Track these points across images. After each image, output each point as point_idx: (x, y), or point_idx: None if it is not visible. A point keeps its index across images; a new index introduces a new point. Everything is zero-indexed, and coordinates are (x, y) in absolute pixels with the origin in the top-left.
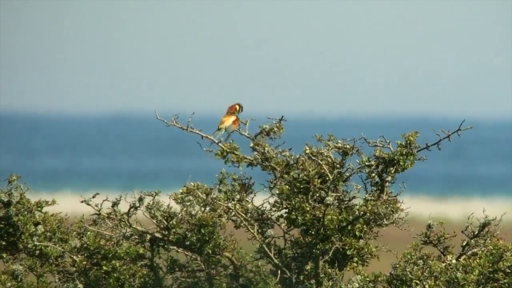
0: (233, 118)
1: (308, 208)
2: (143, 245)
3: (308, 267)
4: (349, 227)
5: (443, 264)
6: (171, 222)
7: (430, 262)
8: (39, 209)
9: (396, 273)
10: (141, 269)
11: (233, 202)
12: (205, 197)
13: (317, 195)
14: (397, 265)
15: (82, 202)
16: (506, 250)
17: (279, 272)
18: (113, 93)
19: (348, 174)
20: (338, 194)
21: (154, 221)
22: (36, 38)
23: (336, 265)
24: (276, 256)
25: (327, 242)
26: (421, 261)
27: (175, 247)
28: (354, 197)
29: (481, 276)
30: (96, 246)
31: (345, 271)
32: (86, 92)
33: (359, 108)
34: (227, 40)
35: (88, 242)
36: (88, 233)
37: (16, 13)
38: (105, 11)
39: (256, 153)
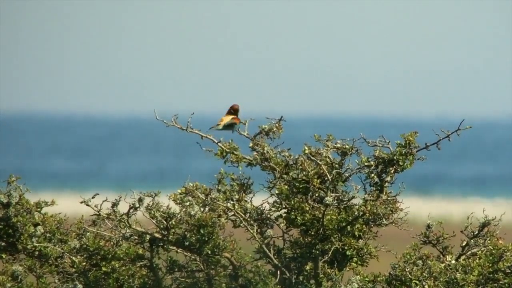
0: (231, 116)
1: (307, 208)
2: (142, 246)
3: (307, 268)
4: (349, 227)
5: (443, 265)
6: (170, 223)
7: (429, 262)
8: (39, 210)
9: (395, 273)
10: (140, 270)
11: (232, 202)
12: (204, 198)
13: (317, 195)
14: (397, 265)
15: (81, 202)
16: (506, 250)
17: (278, 272)
18: (112, 93)
19: (347, 175)
20: (337, 194)
21: (154, 221)
22: (36, 38)
23: (335, 265)
24: (275, 257)
25: (326, 242)
26: (420, 261)
27: (174, 248)
28: (353, 197)
29: (481, 277)
30: (96, 247)
31: (344, 271)
32: (85, 93)
33: (358, 108)
34: (226, 40)
35: (87, 243)
36: (88, 234)
37: (16, 13)
38: (104, 12)
39: (255, 153)
